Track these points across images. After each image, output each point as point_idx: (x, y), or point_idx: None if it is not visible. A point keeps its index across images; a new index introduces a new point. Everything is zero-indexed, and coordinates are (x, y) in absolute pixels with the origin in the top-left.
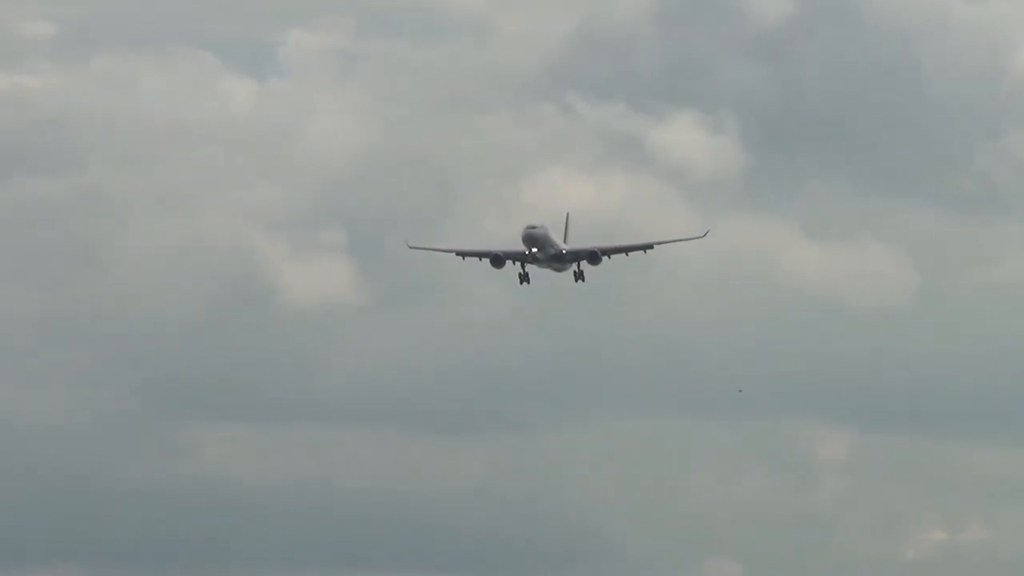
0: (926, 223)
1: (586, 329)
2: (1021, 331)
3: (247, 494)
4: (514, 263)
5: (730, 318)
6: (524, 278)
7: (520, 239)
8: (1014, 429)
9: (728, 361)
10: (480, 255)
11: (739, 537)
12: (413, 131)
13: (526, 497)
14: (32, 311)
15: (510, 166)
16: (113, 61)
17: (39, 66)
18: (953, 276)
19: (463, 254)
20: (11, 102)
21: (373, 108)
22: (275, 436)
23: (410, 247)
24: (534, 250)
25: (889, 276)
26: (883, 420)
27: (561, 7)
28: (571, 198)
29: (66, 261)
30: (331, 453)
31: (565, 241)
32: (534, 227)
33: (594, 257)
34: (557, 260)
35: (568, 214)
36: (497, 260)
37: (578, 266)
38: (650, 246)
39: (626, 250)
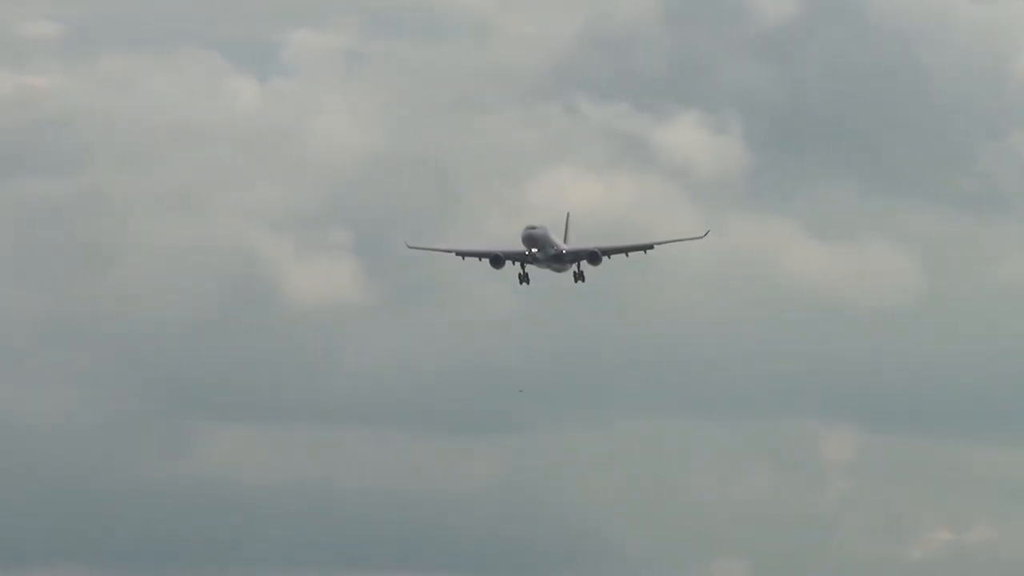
0: (929, 223)
1: (589, 329)
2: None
3: (250, 494)
4: (514, 263)
5: (733, 318)
6: (524, 278)
7: (520, 239)
8: (1018, 429)
9: (731, 361)
10: (480, 255)
11: (742, 537)
12: (418, 131)
13: (528, 497)
14: (36, 311)
15: (514, 166)
16: (118, 61)
17: (44, 66)
18: (956, 276)
19: (463, 254)
20: (16, 102)
21: (378, 108)
22: (278, 436)
23: (409, 247)
24: (534, 250)
25: (892, 276)
26: (887, 420)
27: (565, 7)
28: (575, 198)
29: (70, 261)
30: (334, 453)
31: (565, 241)
32: (534, 227)
33: (594, 257)
34: (557, 260)
35: (568, 214)
36: (497, 260)
37: (578, 266)
38: (650, 246)
39: (626, 250)
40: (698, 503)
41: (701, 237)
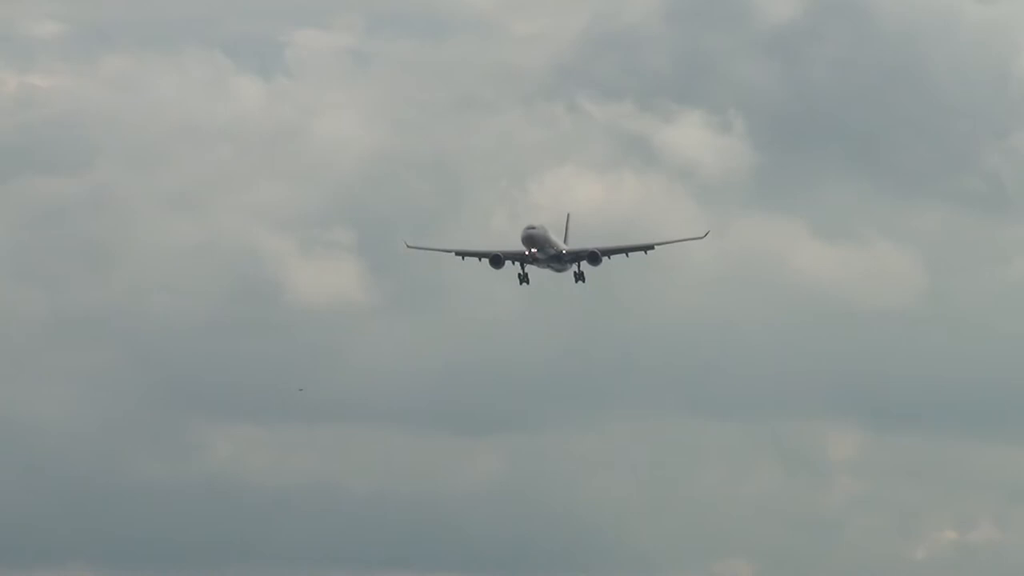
0: (934, 223)
1: (591, 330)
2: None
3: (253, 493)
4: (513, 263)
5: (737, 318)
6: (524, 278)
7: (520, 239)
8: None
9: (735, 361)
10: (479, 255)
11: (749, 537)
12: (422, 131)
13: (535, 497)
14: (42, 310)
15: (518, 165)
16: (123, 61)
17: (49, 66)
18: (962, 276)
19: (462, 254)
20: (21, 102)
21: (382, 108)
22: (282, 435)
23: (408, 247)
24: (533, 250)
25: (897, 276)
26: (893, 420)
27: (569, 7)
28: (579, 197)
29: (76, 260)
30: (337, 452)
31: (565, 242)
32: (533, 227)
33: (594, 258)
34: (556, 260)
35: (568, 214)
36: (496, 260)
37: (578, 267)
38: (650, 247)
39: (626, 251)
40: (701, 503)
41: (701, 237)
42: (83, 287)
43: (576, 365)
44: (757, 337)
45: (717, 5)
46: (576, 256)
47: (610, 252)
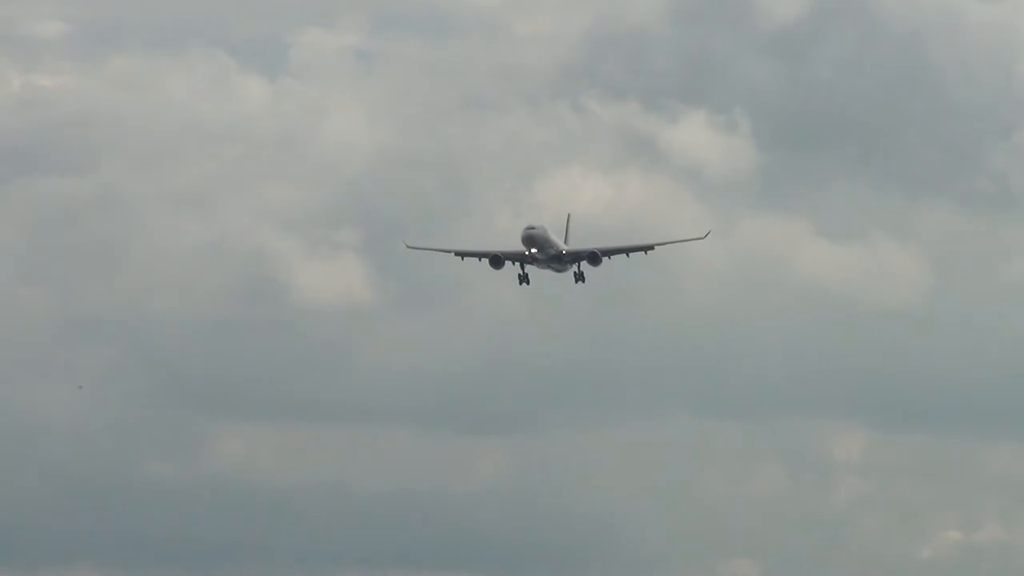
0: (940, 222)
1: (598, 330)
2: None
3: (259, 493)
4: (513, 264)
5: (742, 318)
6: (524, 279)
7: (520, 239)
8: None
9: (740, 361)
10: (479, 255)
11: (753, 536)
12: (428, 131)
13: (541, 497)
14: (46, 310)
15: (524, 165)
16: (128, 61)
17: (55, 66)
18: (967, 275)
19: (462, 254)
20: (27, 102)
21: (388, 108)
22: (289, 435)
23: (408, 247)
24: (533, 250)
25: (903, 275)
26: (898, 419)
27: (575, 7)
28: (584, 197)
29: (81, 260)
30: (344, 452)
31: (566, 242)
32: (533, 227)
33: (594, 258)
34: (556, 261)
35: (568, 215)
36: (496, 261)
37: (578, 267)
38: (651, 247)
39: (626, 251)
40: (706, 503)
41: (702, 238)
42: (88, 287)
43: (582, 365)
44: (761, 337)
45: (722, 5)
46: (576, 256)
47: (610, 252)
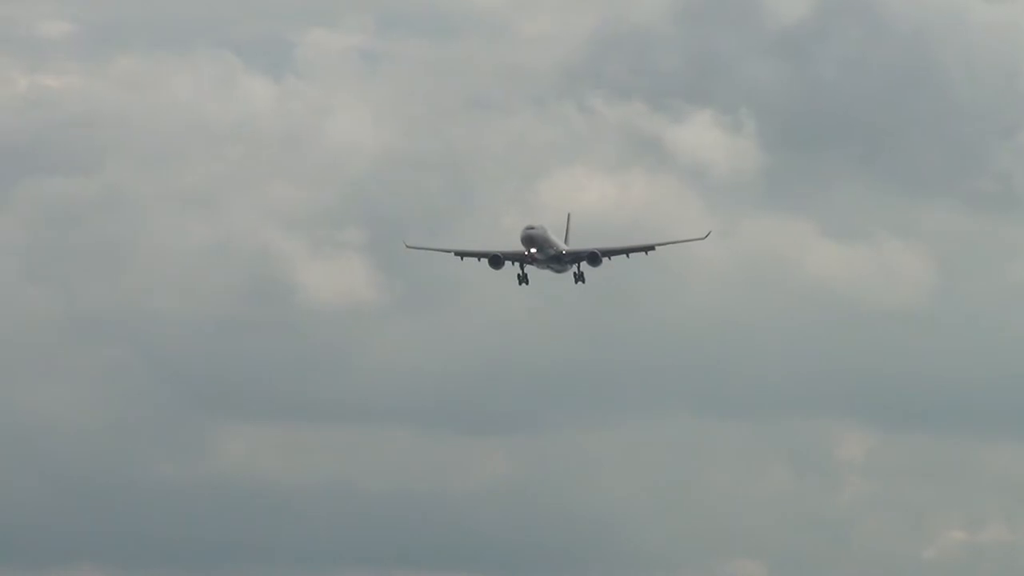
0: (944, 222)
1: (602, 330)
2: None
3: (262, 493)
4: (513, 264)
5: (746, 318)
6: (523, 279)
7: (519, 240)
8: None
9: (744, 361)
10: (479, 255)
11: (757, 537)
12: (432, 131)
13: (541, 497)
14: (53, 311)
15: (529, 166)
16: (134, 61)
17: (60, 66)
18: (971, 275)
19: (462, 254)
20: (33, 102)
21: (392, 108)
22: (293, 435)
23: (408, 247)
24: (533, 250)
25: (908, 275)
26: (904, 420)
27: (579, 6)
28: (588, 197)
29: (86, 260)
30: (348, 452)
31: (566, 242)
32: (532, 227)
33: (594, 258)
34: (556, 261)
35: (568, 214)
36: (496, 261)
37: (578, 267)
38: (651, 247)
39: (627, 251)
40: (709, 504)
41: (703, 238)
42: (93, 287)
43: (584, 366)
44: (765, 337)
45: (728, 5)
46: (576, 257)
47: (610, 253)
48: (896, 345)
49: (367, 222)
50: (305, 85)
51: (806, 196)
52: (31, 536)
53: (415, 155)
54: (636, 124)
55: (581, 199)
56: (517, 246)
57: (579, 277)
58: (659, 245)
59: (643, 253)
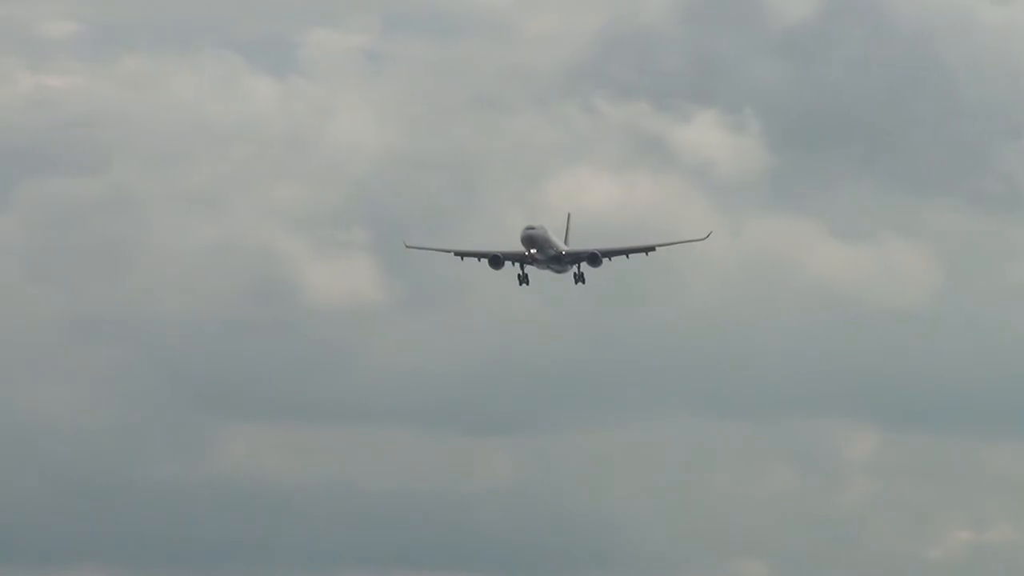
0: (949, 222)
1: (605, 331)
2: None
3: (266, 493)
4: (513, 264)
5: (751, 318)
6: (523, 279)
7: (519, 240)
8: None
9: (748, 361)
10: (479, 255)
11: (760, 537)
12: (436, 131)
13: (544, 498)
14: (57, 311)
15: (533, 166)
16: (138, 61)
17: (65, 66)
18: (976, 275)
19: (462, 254)
20: (37, 102)
21: (397, 108)
22: (297, 435)
23: (407, 247)
24: (533, 251)
25: (912, 275)
26: (908, 419)
27: (584, 6)
28: (593, 197)
29: (91, 260)
30: (352, 452)
31: (566, 242)
32: (532, 228)
33: (594, 259)
34: (556, 261)
35: (569, 214)
36: (496, 261)
37: (578, 268)
38: (652, 248)
39: (627, 252)
40: (713, 504)
41: (703, 239)
42: (97, 287)
43: (588, 366)
44: (770, 337)
45: (732, 5)
46: (576, 257)
47: (610, 254)
48: (900, 345)
49: (371, 222)
50: (309, 85)
51: (810, 196)
52: (33, 536)
53: (419, 155)
54: (640, 124)
55: (585, 199)
56: (518, 246)
57: (579, 278)
58: (659, 246)
59: (643, 254)
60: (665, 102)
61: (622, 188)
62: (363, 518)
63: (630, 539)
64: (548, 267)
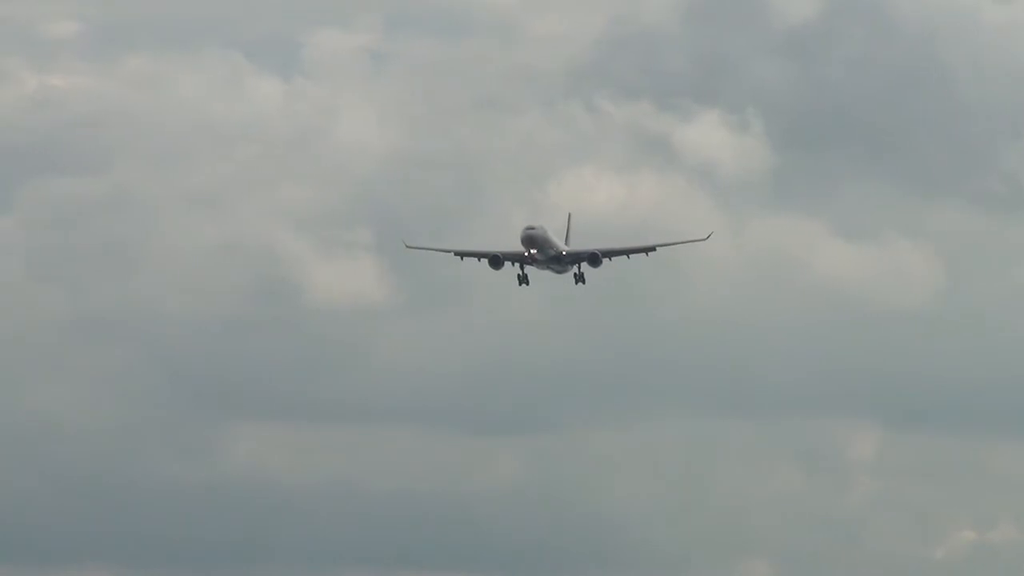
0: (952, 222)
1: (611, 331)
2: None
3: (270, 493)
4: (513, 264)
5: (754, 317)
6: (523, 279)
7: (519, 240)
8: None
9: (752, 361)
10: (479, 256)
11: (765, 536)
12: (440, 131)
13: (547, 497)
14: (61, 311)
15: (537, 166)
16: (142, 61)
17: (69, 66)
18: (981, 275)
19: (461, 254)
20: (41, 102)
21: (401, 108)
22: (301, 435)
23: (407, 247)
24: (532, 251)
25: (916, 275)
26: (913, 419)
27: (588, 7)
28: (597, 197)
29: (94, 260)
30: (356, 452)
31: (566, 242)
32: (532, 228)
33: (594, 259)
34: (556, 262)
35: (569, 215)
36: (496, 261)
37: (579, 268)
38: (652, 248)
39: (627, 252)
40: (717, 503)
41: (704, 239)
42: (101, 287)
43: (593, 366)
44: (773, 337)
45: (735, 5)
46: (576, 257)
47: (611, 254)
48: (903, 345)
49: (375, 222)
50: (313, 85)
51: (814, 196)
52: (37, 535)
53: (423, 155)
54: (643, 124)
55: (589, 199)
56: (518, 246)
57: (579, 278)
58: (660, 246)
59: (644, 254)
60: (668, 102)
61: (625, 188)
62: (365, 518)
63: (631, 539)
64: (548, 267)
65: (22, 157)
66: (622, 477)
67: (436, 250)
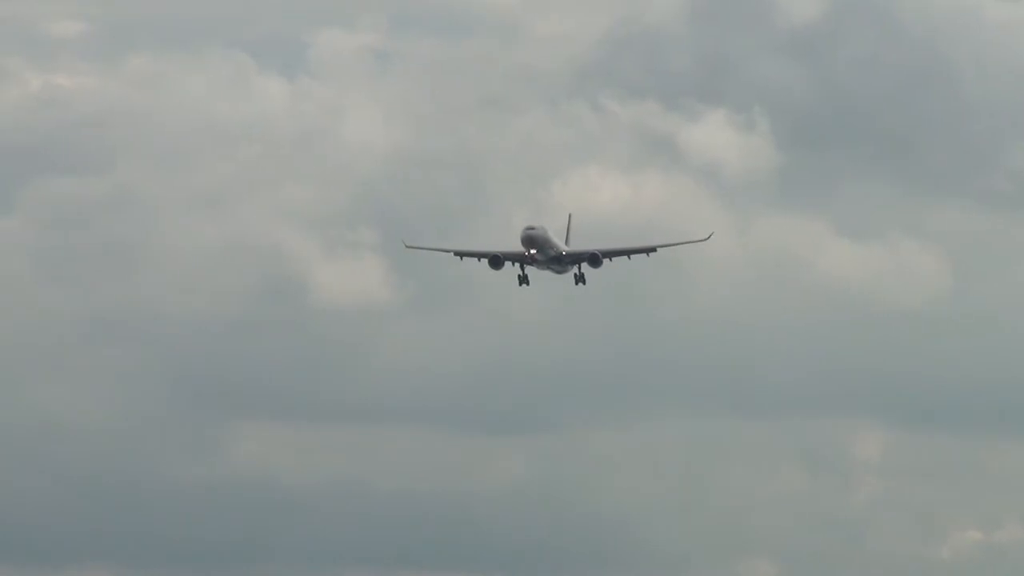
0: (958, 221)
1: (613, 331)
2: None
3: (274, 493)
4: (513, 264)
5: (759, 317)
6: (523, 280)
7: (519, 240)
8: None
9: (756, 361)
10: (479, 256)
11: (769, 536)
12: (445, 130)
13: (550, 497)
14: (65, 311)
15: (541, 165)
16: (146, 61)
17: (72, 66)
18: (987, 274)
19: (461, 254)
20: (45, 102)
21: (405, 107)
22: (305, 435)
23: (407, 247)
24: (533, 251)
25: (921, 275)
26: (916, 419)
27: (592, 6)
28: (602, 197)
29: (98, 260)
30: (360, 452)
31: (567, 243)
32: (532, 228)
33: (594, 260)
34: (556, 262)
35: (570, 215)
36: (496, 261)
37: (579, 268)
38: (653, 249)
39: (628, 253)
40: (722, 503)
41: (705, 240)
42: (105, 287)
43: (598, 366)
44: (778, 336)
45: (740, 4)
46: (576, 258)
47: (611, 254)
48: (908, 344)
49: (379, 222)
50: (318, 85)
51: (819, 195)
52: (39, 535)
53: (428, 155)
54: (649, 124)
55: (594, 199)
56: (518, 247)
57: (579, 278)
58: (661, 247)
59: (644, 255)
60: (673, 102)
61: (630, 188)
62: (367, 518)
63: (632, 539)
64: (548, 268)
65: (25, 157)
66: (623, 477)
67: (435, 250)
